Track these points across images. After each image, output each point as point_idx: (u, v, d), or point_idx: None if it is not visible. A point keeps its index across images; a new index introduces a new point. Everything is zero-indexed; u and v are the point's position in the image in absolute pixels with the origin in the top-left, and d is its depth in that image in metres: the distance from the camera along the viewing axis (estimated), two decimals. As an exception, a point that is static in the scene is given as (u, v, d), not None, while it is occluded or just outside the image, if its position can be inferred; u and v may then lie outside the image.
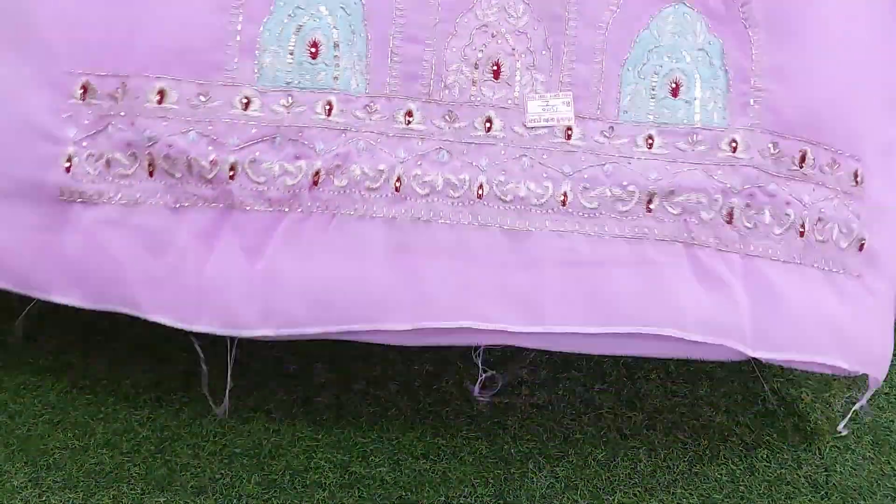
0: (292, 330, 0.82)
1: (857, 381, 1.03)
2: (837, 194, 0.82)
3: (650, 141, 0.84)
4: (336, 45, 0.83)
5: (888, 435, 0.97)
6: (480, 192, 0.82)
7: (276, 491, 0.87)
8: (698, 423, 0.97)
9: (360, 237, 0.81)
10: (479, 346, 0.87)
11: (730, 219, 0.82)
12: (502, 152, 0.83)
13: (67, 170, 0.81)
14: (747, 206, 0.82)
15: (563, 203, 0.82)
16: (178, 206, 0.82)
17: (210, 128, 0.82)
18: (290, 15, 0.83)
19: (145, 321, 1.02)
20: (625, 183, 0.82)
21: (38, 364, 1.02)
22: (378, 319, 0.80)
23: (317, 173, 0.81)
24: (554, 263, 0.81)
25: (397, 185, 0.82)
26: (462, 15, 0.84)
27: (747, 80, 0.83)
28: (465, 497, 0.87)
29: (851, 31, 0.83)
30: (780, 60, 0.82)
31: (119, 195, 0.82)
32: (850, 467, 0.93)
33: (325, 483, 0.88)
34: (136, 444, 0.92)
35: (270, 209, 0.82)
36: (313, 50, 0.83)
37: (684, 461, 0.92)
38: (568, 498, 0.88)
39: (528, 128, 0.83)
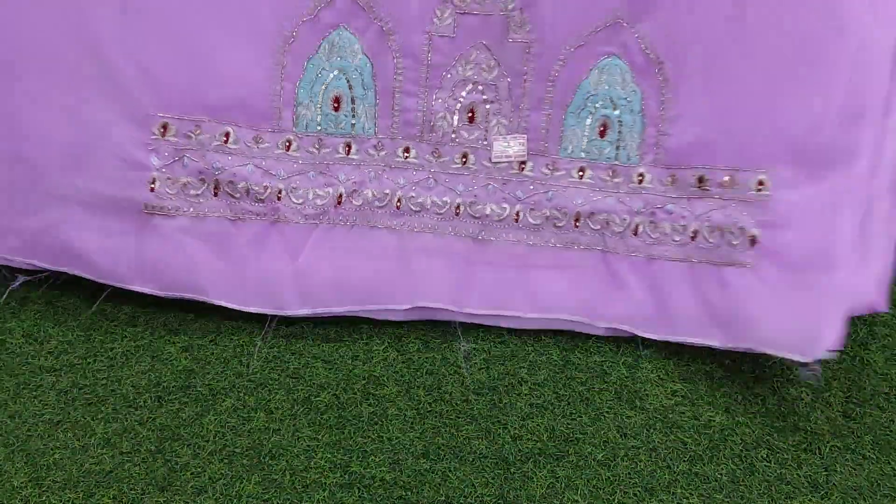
0: (324, 310, 1.07)
1: (857, 382, 1.03)
2: (730, 203, 1.04)
3: (581, 173, 1.09)
4: (353, 100, 1.08)
5: (888, 435, 0.97)
6: (458, 210, 1.09)
7: (276, 491, 0.87)
8: (698, 423, 0.97)
9: (372, 242, 1.09)
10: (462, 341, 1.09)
11: (636, 232, 1.08)
12: (473, 181, 1.09)
13: (152, 190, 1.05)
14: (651, 222, 1.07)
15: (516, 220, 1.09)
16: (235, 219, 1.07)
17: (263, 162, 1.07)
18: (318, 75, 1.07)
19: (145, 321, 1.04)
20: (560, 206, 1.09)
21: (38, 364, 1.02)
22: (385, 301, 1.08)
23: (340, 196, 1.08)
24: (508, 266, 1.09)
25: (398, 204, 1.09)
26: (446, 72, 1.07)
27: (656, 125, 1.06)
28: (465, 497, 0.87)
29: (757, 74, 1.01)
30: (680, 110, 1.04)
31: (191, 209, 1.06)
32: (850, 467, 0.93)
33: (325, 483, 0.88)
34: (136, 444, 0.92)
35: (306, 222, 1.08)
36: (336, 104, 1.08)
37: (684, 461, 0.93)
38: (568, 498, 0.88)
39: (493, 162, 1.09)
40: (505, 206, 1.09)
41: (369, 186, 1.09)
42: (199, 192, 1.07)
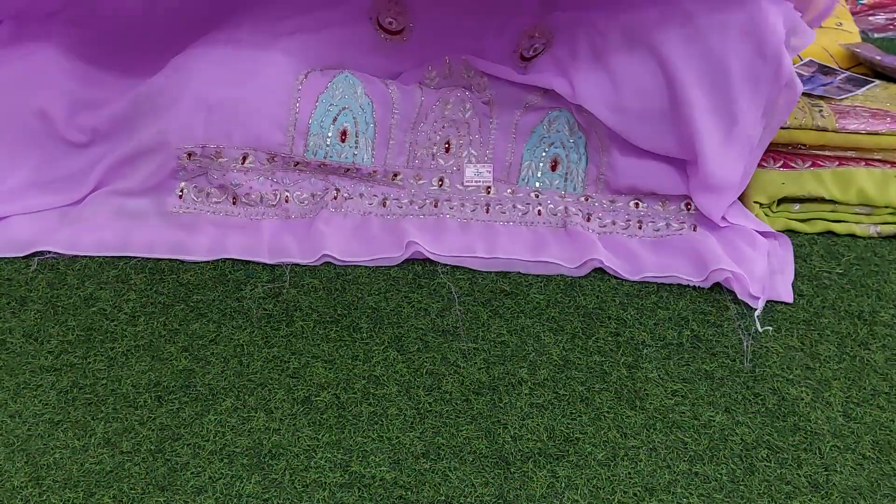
0: (332, 259, 1.21)
1: (856, 381, 1.03)
2: (668, 217, 1.29)
3: (537, 197, 1.33)
4: (357, 133, 1.29)
5: (888, 435, 0.97)
6: (436, 204, 1.31)
7: (276, 491, 0.87)
8: (698, 423, 0.97)
9: (364, 223, 1.28)
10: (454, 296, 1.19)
11: (588, 219, 1.30)
12: (448, 198, 1.32)
13: (180, 197, 1.27)
14: (599, 218, 1.30)
15: (487, 212, 1.31)
16: (252, 219, 1.28)
17: (274, 175, 1.29)
18: (328, 110, 1.27)
19: (145, 321, 1.04)
20: (523, 202, 1.32)
21: (38, 364, 1.02)
22: (378, 252, 1.22)
23: (336, 193, 1.29)
24: (480, 234, 1.27)
25: (385, 202, 1.31)
26: (431, 110, 1.32)
27: (598, 165, 1.31)
28: (465, 497, 0.87)
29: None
30: (613, 161, 1.30)
31: (213, 213, 1.28)
32: (850, 467, 0.93)
33: (325, 483, 0.88)
34: (136, 444, 0.92)
35: (309, 216, 1.28)
36: (342, 136, 1.28)
37: (684, 461, 0.92)
38: (568, 498, 0.88)
39: (465, 186, 1.33)
40: (475, 205, 1.31)
41: (361, 191, 1.31)
42: (220, 201, 1.28)
